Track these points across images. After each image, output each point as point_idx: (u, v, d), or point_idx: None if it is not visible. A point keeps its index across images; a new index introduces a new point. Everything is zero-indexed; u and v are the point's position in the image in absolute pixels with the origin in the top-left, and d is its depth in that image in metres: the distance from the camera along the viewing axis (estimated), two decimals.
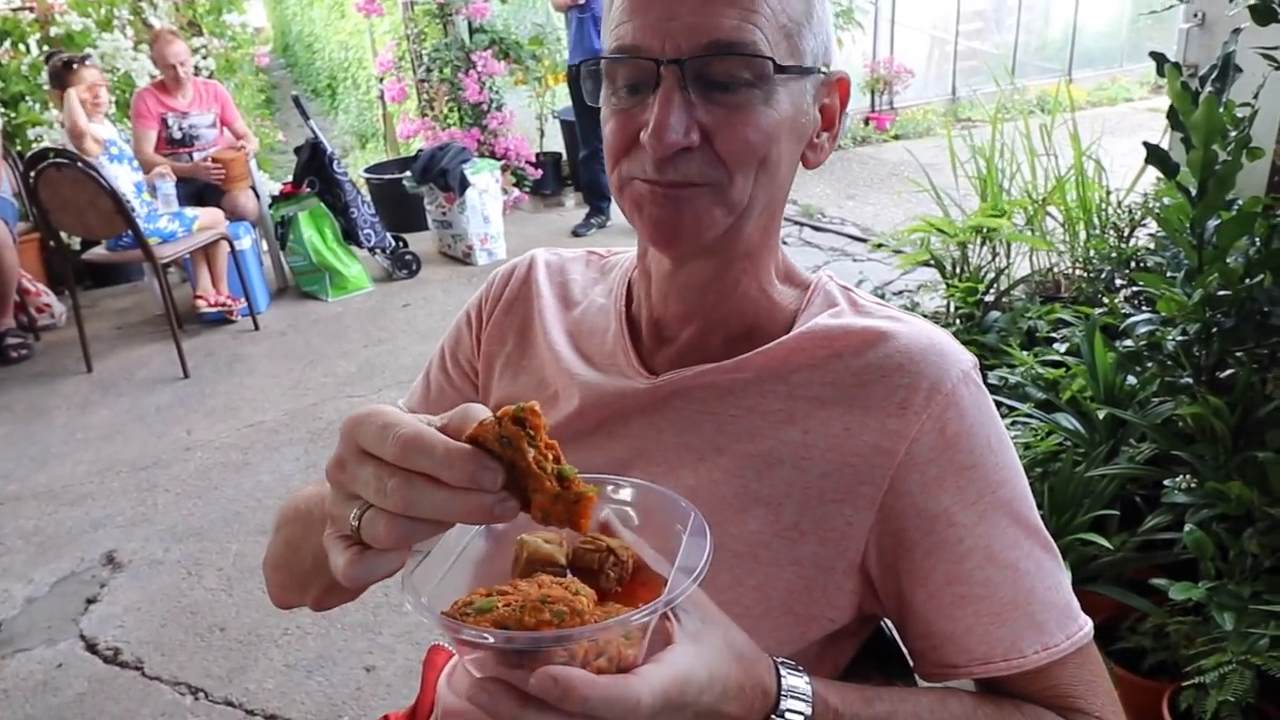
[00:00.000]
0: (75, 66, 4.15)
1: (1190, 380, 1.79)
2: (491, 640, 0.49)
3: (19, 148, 5.03)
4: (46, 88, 4.52)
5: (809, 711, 0.63)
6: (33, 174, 3.96)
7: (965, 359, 0.79)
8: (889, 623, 0.89)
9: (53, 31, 5.26)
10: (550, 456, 0.51)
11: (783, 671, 0.64)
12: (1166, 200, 2.28)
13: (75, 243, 4.71)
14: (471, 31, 6.16)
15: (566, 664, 0.50)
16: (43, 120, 5.14)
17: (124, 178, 4.23)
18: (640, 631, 0.54)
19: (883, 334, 0.79)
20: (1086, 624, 0.77)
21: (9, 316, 4.56)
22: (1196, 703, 1.49)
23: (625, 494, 0.64)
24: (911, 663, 0.82)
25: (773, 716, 0.62)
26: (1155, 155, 1.77)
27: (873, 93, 8.11)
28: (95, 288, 5.52)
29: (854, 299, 0.86)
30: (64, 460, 3.59)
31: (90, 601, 2.74)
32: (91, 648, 2.54)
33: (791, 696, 0.63)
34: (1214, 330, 1.72)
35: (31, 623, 2.67)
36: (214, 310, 4.74)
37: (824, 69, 0.76)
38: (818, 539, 0.75)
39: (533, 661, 0.49)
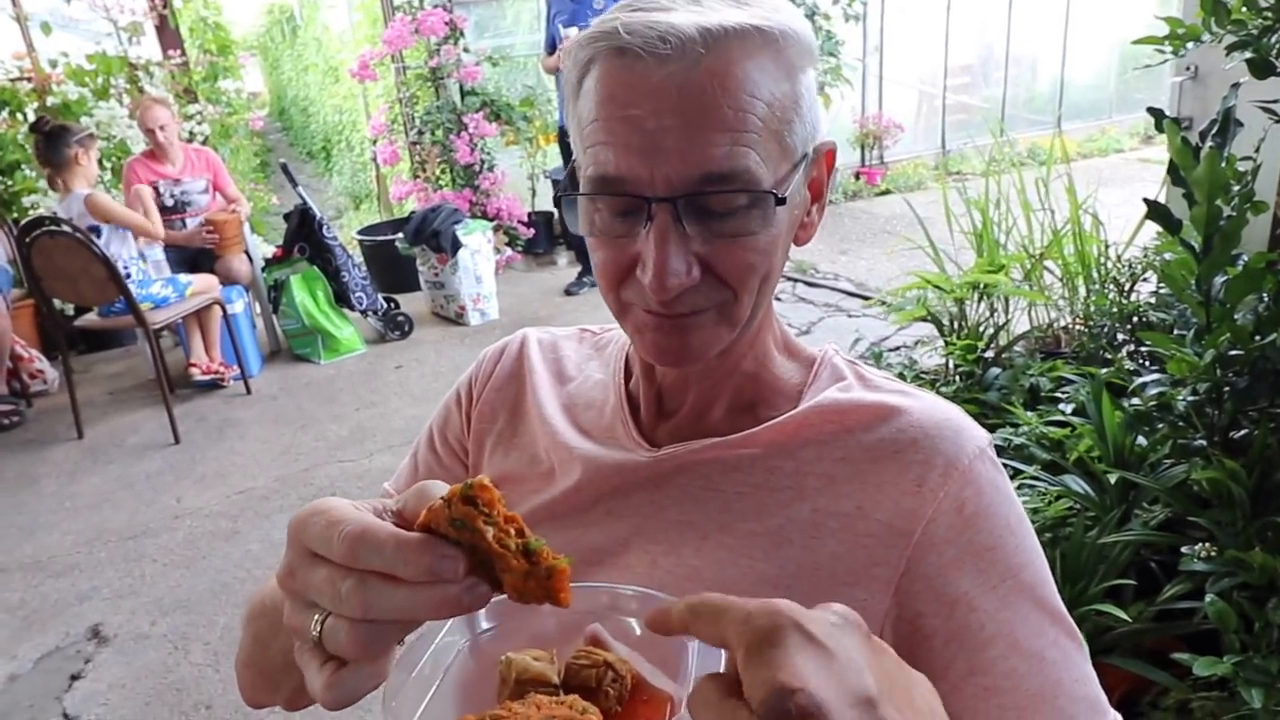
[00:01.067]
0: (79, 138, 4.17)
1: (1203, 442, 1.75)
2: None
3: (14, 215, 5.03)
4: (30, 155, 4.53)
5: None
6: (26, 241, 3.94)
7: (980, 435, 0.76)
8: None
9: (49, 101, 5.30)
10: (513, 531, 0.45)
11: None
12: (1168, 255, 2.26)
13: (69, 309, 4.68)
14: (463, 94, 6.23)
15: None
16: (38, 188, 5.15)
17: (127, 245, 4.26)
18: None
19: (895, 409, 0.75)
20: (1116, 719, 0.72)
21: (1, 384, 4.51)
22: None
23: (626, 603, 0.59)
24: None
25: None
26: (1156, 211, 1.75)
27: (863, 147, 8.20)
28: (89, 352, 5.50)
29: (861, 373, 0.83)
30: (52, 530, 3.51)
31: (74, 678, 2.66)
32: None
33: None
34: (1226, 390, 1.68)
35: (14, 701, 2.58)
36: (207, 378, 4.70)
37: (812, 151, 0.72)
38: None
39: None
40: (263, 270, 5.10)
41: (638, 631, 0.59)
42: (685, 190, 0.65)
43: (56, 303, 4.48)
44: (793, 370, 0.84)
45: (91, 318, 4.39)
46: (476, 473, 0.93)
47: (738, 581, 0.73)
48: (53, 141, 4.13)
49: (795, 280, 5.75)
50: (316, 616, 0.47)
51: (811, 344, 0.87)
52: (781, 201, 0.67)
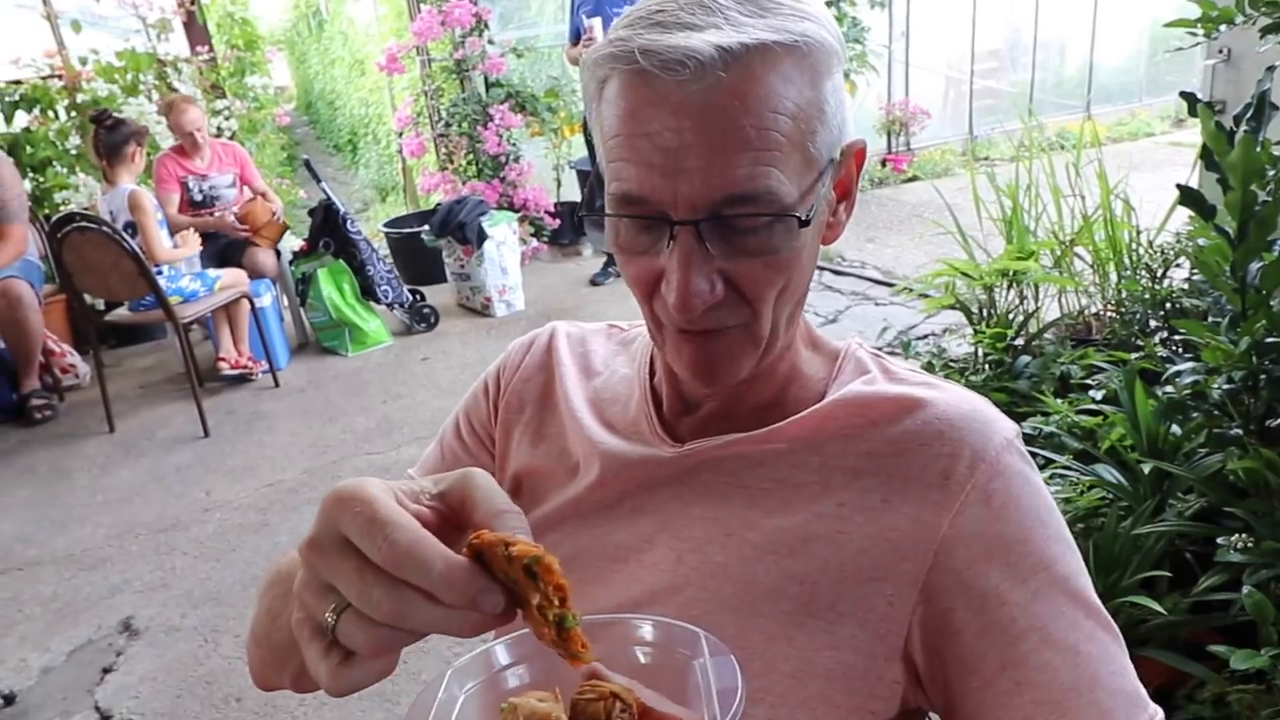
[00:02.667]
0: (136, 133, 4.27)
1: (1239, 431, 1.71)
2: None
3: (46, 210, 5.11)
4: (79, 152, 4.61)
5: None
6: (58, 237, 4.00)
7: (1008, 427, 0.74)
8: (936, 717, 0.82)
9: (79, 98, 5.36)
10: (556, 601, 0.45)
11: None
12: (1202, 241, 2.21)
13: (99, 304, 4.75)
14: (488, 86, 6.24)
15: None
16: (69, 184, 5.22)
17: (165, 241, 4.32)
18: None
19: (919, 401, 0.74)
20: (1157, 713, 0.70)
21: (34, 378, 4.59)
22: None
23: (645, 633, 0.58)
24: None
25: None
26: (1189, 196, 1.71)
27: (889, 134, 8.11)
28: (119, 346, 5.57)
29: (886, 366, 0.82)
30: (84, 523, 3.56)
31: (106, 671, 2.69)
32: (107, 719, 2.49)
33: None
34: (1263, 378, 1.64)
35: (47, 694, 2.62)
36: (235, 372, 4.75)
37: (839, 154, 0.71)
38: (857, 621, 0.70)
39: None
40: (290, 264, 5.14)
41: (642, 660, 0.58)
42: (708, 211, 0.64)
43: (87, 298, 4.53)
44: (817, 364, 0.83)
45: (122, 312, 4.45)
46: (504, 461, 0.92)
47: (762, 578, 0.72)
48: (112, 135, 4.22)
49: (822, 268, 5.70)
50: (335, 604, 0.46)
51: (839, 333, 0.86)
52: (805, 223, 0.67)
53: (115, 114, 4.40)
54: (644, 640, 0.58)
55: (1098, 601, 0.72)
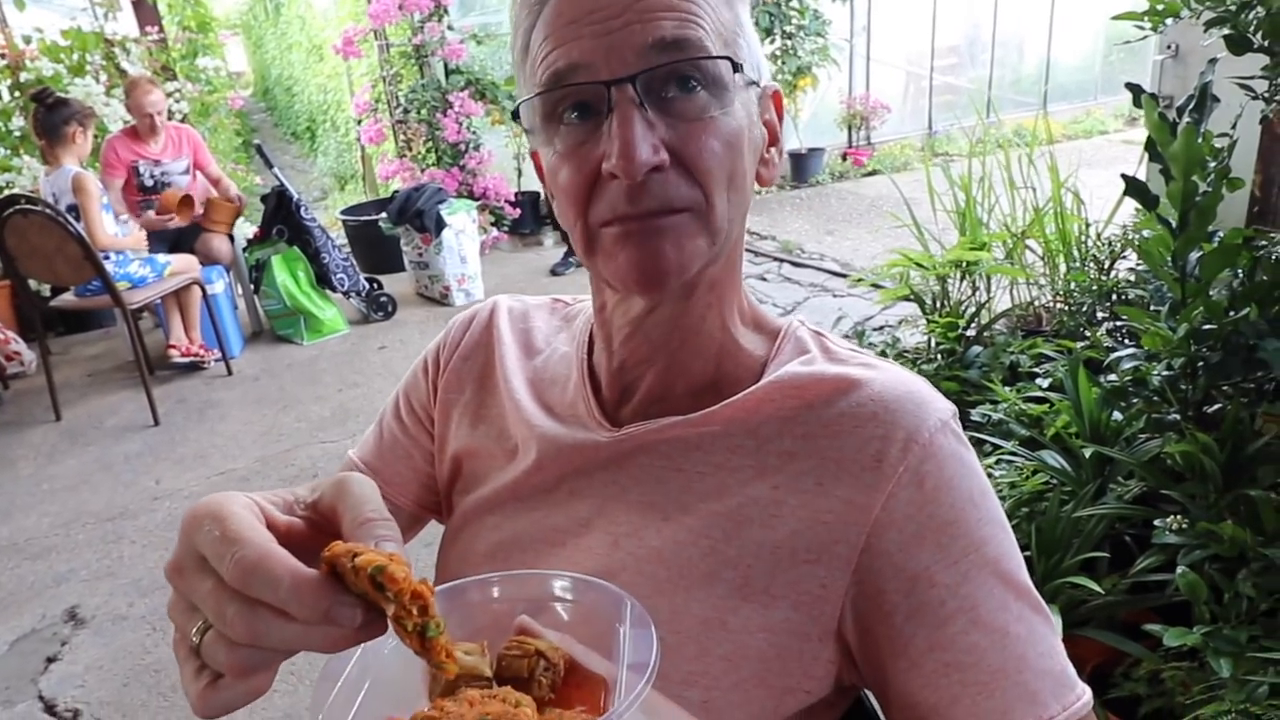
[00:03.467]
0: (80, 110, 4.13)
1: (1177, 416, 1.75)
2: None
3: None
4: (23, 133, 4.48)
5: None
6: (0, 219, 3.89)
7: (944, 407, 0.74)
8: (870, 694, 0.83)
9: (23, 77, 5.22)
10: (414, 610, 0.43)
11: None
12: (1146, 232, 2.26)
13: (45, 289, 4.63)
14: (448, 73, 6.17)
15: None
16: (12, 166, 5.08)
17: (109, 226, 4.20)
18: None
19: (855, 381, 0.74)
20: (1085, 693, 0.71)
21: None
22: None
23: (557, 588, 0.58)
24: None
25: None
26: (1134, 187, 1.75)
27: (850, 128, 8.18)
28: (67, 334, 5.44)
29: (826, 345, 0.81)
30: (29, 512, 3.48)
31: (50, 660, 2.63)
32: (50, 709, 2.44)
33: None
34: (1200, 365, 1.68)
35: None
36: (186, 360, 4.66)
37: (760, 85, 0.73)
38: (790, 603, 0.70)
39: None
40: (244, 251, 5.05)
41: (565, 617, 0.58)
42: (639, 65, 0.64)
43: (32, 283, 4.42)
44: (757, 343, 0.82)
45: (68, 298, 4.34)
46: (444, 442, 0.91)
47: (698, 562, 0.72)
48: (52, 114, 4.09)
49: (781, 260, 5.74)
50: (200, 624, 0.45)
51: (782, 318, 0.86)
52: (738, 68, 0.67)
53: (59, 93, 4.28)
54: (569, 598, 0.58)
55: (1029, 583, 0.72)
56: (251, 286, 5.08)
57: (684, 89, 0.66)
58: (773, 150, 0.77)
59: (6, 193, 4.43)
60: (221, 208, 4.81)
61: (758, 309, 0.85)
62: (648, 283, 0.69)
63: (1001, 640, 0.68)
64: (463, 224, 5.28)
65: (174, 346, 4.64)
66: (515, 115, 0.73)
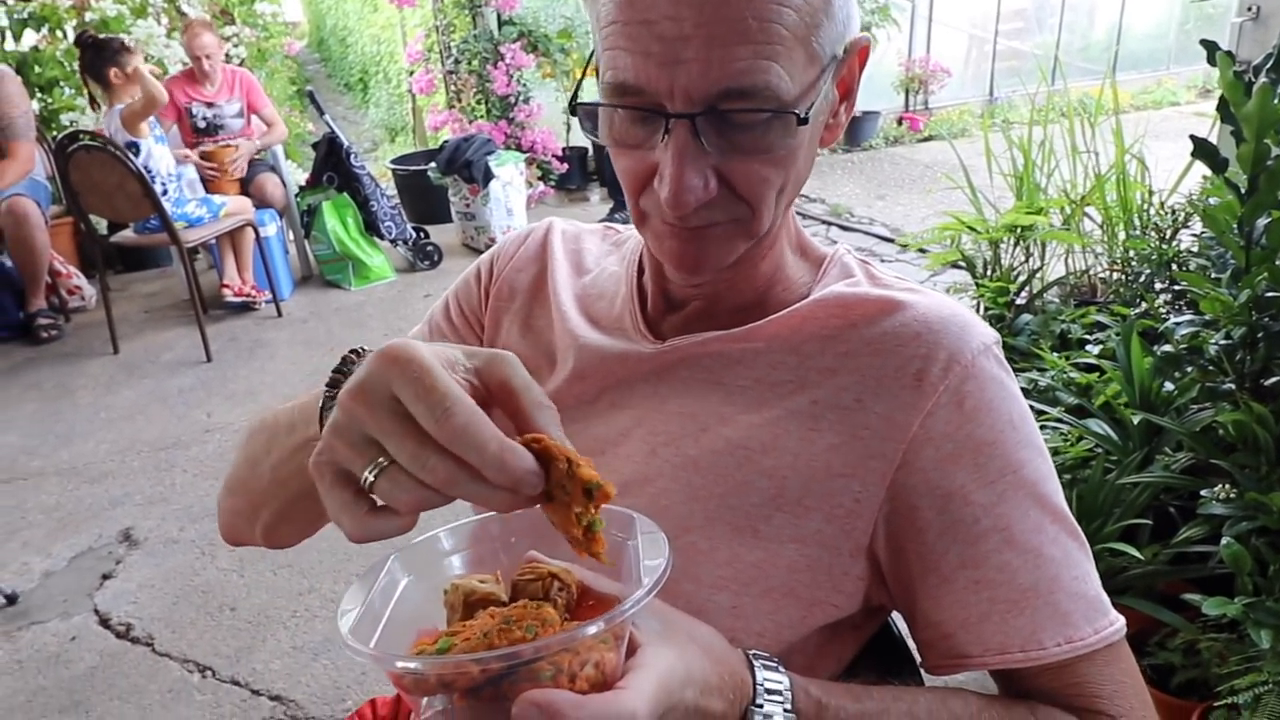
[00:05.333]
0: (119, 49, 4.16)
1: (1232, 386, 1.71)
2: (476, 664, 0.43)
3: (53, 132, 5.08)
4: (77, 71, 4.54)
5: (789, 703, 0.59)
6: (64, 156, 3.98)
7: (988, 333, 0.74)
8: (896, 621, 0.83)
9: (88, 17, 5.30)
10: (593, 510, 0.48)
11: (756, 664, 0.60)
12: (1213, 200, 2.19)
13: (103, 225, 4.74)
14: (500, 24, 6.14)
15: (554, 680, 0.44)
16: (76, 106, 5.19)
17: (166, 160, 4.26)
18: (619, 633, 0.49)
19: (900, 303, 0.74)
20: (1118, 620, 0.71)
21: (40, 298, 4.61)
22: None
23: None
24: (920, 657, 0.76)
25: (751, 708, 0.58)
26: (1203, 149, 1.69)
27: (907, 92, 7.99)
28: (125, 272, 5.58)
29: (871, 271, 0.82)
30: (87, 439, 3.61)
31: (106, 577, 2.75)
32: (105, 622, 2.55)
33: (769, 688, 0.59)
34: (1260, 334, 1.64)
35: (48, 596, 2.68)
36: (239, 299, 4.76)
37: (842, 51, 0.69)
38: (823, 515, 0.71)
39: (513, 687, 0.44)
40: (296, 196, 5.12)
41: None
42: (704, 105, 0.63)
43: (93, 219, 4.53)
44: (803, 269, 0.83)
45: (127, 234, 4.44)
46: (491, 348, 0.93)
47: (733, 471, 0.73)
48: (94, 59, 4.14)
49: (829, 223, 5.67)
50: (380, 460, 0.46)
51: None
52: (804, 121, 0.65)
53: (94, 35, 4.30)
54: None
55: (1066, 510, 0.73)
56: (303, 231, 5.15)
57: (745, 126, 0.65)
58: (841, 109, 0.75)
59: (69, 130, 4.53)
60: (215, 152, 4.78)
61: (804, 236, 0.86)
62: (686, 272, 0.74)
63: (1035, 560, 0.69)
64: (510, 176, 5.29)
65: (227, 286, 4.74)
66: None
